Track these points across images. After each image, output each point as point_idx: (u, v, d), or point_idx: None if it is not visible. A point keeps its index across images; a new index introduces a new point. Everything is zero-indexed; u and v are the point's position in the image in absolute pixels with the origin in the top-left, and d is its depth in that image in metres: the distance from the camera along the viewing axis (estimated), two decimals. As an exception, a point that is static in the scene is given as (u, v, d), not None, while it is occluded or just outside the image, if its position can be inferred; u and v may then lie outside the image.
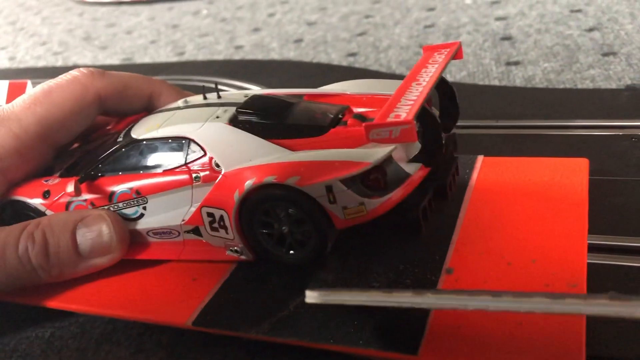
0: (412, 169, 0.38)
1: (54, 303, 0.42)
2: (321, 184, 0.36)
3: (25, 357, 0.41)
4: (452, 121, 0.43)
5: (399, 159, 0.38)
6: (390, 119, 0.33)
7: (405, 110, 0.34)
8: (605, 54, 0.72)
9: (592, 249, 0.39)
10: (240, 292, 0.40)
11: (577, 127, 0.56)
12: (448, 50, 0.42)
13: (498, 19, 0.91)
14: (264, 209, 0.38)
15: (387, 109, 0.34)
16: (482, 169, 0.48)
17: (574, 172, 0.46)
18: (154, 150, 0.43)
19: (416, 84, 0.37)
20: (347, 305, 0.34)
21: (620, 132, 0.53)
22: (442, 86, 0.42)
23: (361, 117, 0.40)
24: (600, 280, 0.37)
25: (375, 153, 0.36)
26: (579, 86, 0.66)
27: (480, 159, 0.50)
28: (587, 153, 0.49)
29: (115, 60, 1.12)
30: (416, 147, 0.40)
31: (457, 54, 0.42)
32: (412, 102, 0.34)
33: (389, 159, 0.37)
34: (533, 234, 0.40)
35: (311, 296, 0.34)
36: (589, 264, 0.37)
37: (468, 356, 0.32)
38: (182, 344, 0.39)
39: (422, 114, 0.36)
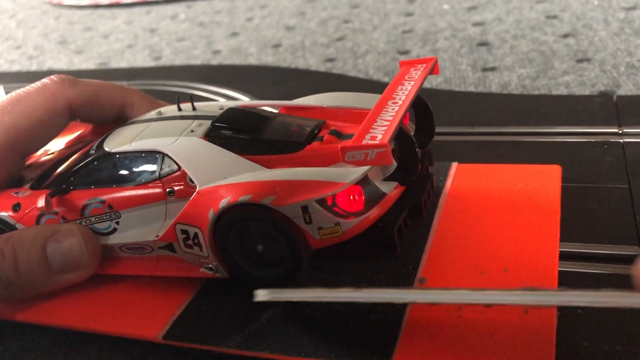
0: (387, 187, 0.38)
1: (23, 316, 0.42)
2: (297, 204, 0.35)
3: (-7, 372, 0.40)
4: (428, 138, 0.43)
5: (374, 178, 0.38)
6: (366, 140, 0.33)
7: (381, 132, 0.33)
8: (580, 60, 0.73)
9: (564, 256, 0.39)
10: (212, 305, 0.39)
11: (551, 134, 0.56)
12: (424, 66, 0.41)
13: (475, 24, 0.92)
14: (239, 228, 0.38)
15: (362, 129, 0.34)
16: (456, 176, 0.49)
17: (547, 179, 0.46)
18: (127, 164, 0.42)
19: (392, 103, 0.37)
20: (317, 316, 0.34)
21: (592, 139, 0.54)
22: (418, 103, 0.42)
23: (337, 133, 0.40)
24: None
25: (352, 172, 0.36)
26: (554, 92, 0.66)
27: (454, 165, 0.50)
28: (560, 160, 0.49)
29: (91, 65, 1.10)
30: (392, 165, 0.39)
31: (433, 70, 0.42)
32: (388, 123, 0.34)
33: (365, 178, 0.37)
34: (505, 242, 0.40)
35: (261, 294, 0.35)
36: (560, 271, 0.37)
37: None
38: (153, 356, 0.38)
39: (398, 133, 0.36)
